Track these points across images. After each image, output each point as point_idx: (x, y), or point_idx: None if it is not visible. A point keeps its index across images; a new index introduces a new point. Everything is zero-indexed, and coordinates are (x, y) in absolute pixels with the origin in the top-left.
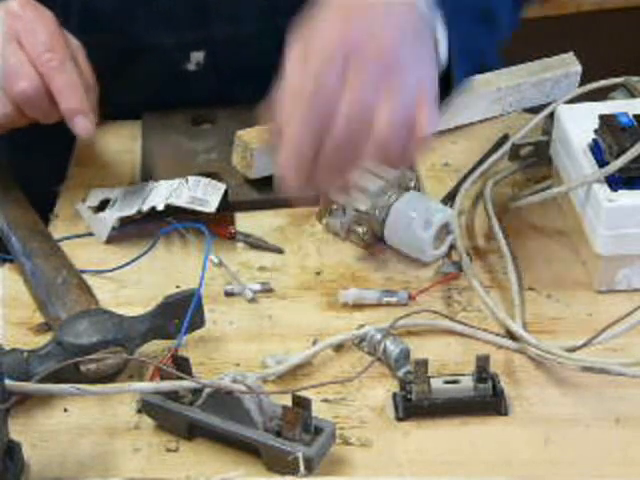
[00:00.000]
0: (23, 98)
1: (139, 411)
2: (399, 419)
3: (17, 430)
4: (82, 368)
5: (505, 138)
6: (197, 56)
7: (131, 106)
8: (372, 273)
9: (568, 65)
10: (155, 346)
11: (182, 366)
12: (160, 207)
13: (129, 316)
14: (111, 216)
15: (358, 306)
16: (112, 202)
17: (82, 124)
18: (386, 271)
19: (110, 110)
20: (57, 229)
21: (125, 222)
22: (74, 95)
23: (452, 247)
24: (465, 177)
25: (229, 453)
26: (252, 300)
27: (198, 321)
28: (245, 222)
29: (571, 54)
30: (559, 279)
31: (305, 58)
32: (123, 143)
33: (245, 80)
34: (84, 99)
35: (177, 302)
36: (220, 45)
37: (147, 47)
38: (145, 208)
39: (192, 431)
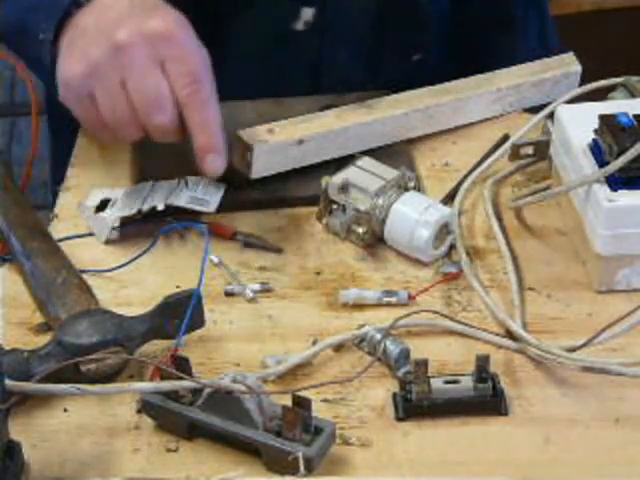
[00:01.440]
0: (158, 130)
1: (139, 411)
2: (399, 419)
3: (17, 430)
4: (82, 368)
5: (505, 138)
6: (307, 13)
7: (235, 72)
8: (372, 273)
9: (568, 65)
10: (155, 346)
11: (182, 366)
12: (160, 207)
13: (129, 316)
14: (111, 216)
15: (358, 306)
16: (112, 202)
17: (214, 163)
18: (386, 271)
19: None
20: (57, 229)
21: (125, 222)
22: (211, 133)
23: (452, 247)
24: (465, 177)
25: (229, 453)
26: (252, 300)
27: (198, 321)
28: (245, 222)
29: (571, 54)
30: (559, 279)
31: None
32: (123, 143)
33: (347, 44)
34: (219, 136)
35: (177, 302)
36: (331, 2)
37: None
38: (145, 208)
39: (192, 431)
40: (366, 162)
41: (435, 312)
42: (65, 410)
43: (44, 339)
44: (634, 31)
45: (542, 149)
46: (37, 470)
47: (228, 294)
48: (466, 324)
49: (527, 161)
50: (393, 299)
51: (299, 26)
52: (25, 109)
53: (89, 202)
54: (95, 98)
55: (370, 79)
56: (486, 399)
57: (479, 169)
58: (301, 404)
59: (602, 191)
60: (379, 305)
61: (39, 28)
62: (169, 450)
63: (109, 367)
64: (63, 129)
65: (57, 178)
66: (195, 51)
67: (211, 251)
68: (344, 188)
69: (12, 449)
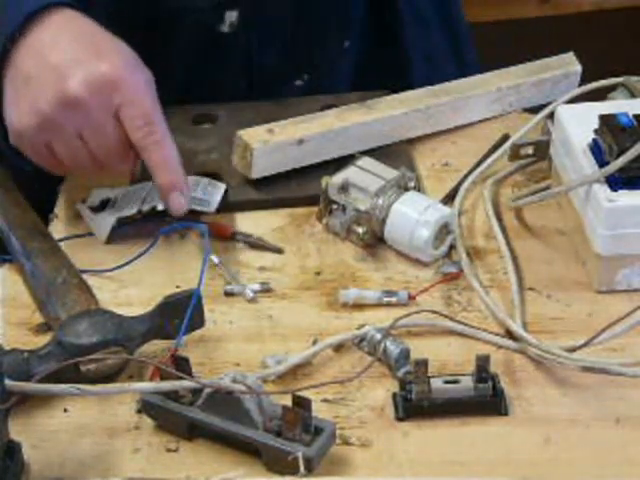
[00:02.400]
0: (121, 173)
1: (139, 411)
2: (399, 419)
3: (17, 430)
4: (82, 368)
5: (505, 138)
6: (231, 16)
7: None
8: (372, 273)
9: (568, 65)
10: (155, 346)
11: (182, 366)
12: (160, 207)
13: (129, 316)
14: (111, 216)
15: (358, 306)
16: (112, 202)
17: (177, 201)
18: (386, 271)
19: None
20: (57, 229)
21: (125, 222)
22: (172, 171)
23: (452, 247)
24: (465, 177)
25: (229, 453)
26: (252, 300)
27: (198, 321)
28: (245, 222)
29: (571, 54)
30: (559, 279)
31: None
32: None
33: (272, 45)
34: (179, 174)
35: (177, 302)
36: (254, 4)
37: (181, 9)
38: (145, 208)
39: (192, 431)
40: (366, 162)
41: (435, 312)
42: (65, 410)
43: (44, 339)
44: (634, 31)
45: (542, 149)
46: (37, 470)
47: (228, 294)
48: (466, 324)
49: (527, 161)
50: (393, 299)
51: (225, 28)
52: None
53: (89, 202)
54: (51, 147)
55: (305, 72)
56: (486, 399)
57: (479, 169)
58: (301, 404)
59: (602, 191)
60: (379, 305)
61: None
62: (169, 450)
63: (109, 367)
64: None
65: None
66: (144, 90)
67: (211, 251)
68: (344, 188)
69: (12, 449)
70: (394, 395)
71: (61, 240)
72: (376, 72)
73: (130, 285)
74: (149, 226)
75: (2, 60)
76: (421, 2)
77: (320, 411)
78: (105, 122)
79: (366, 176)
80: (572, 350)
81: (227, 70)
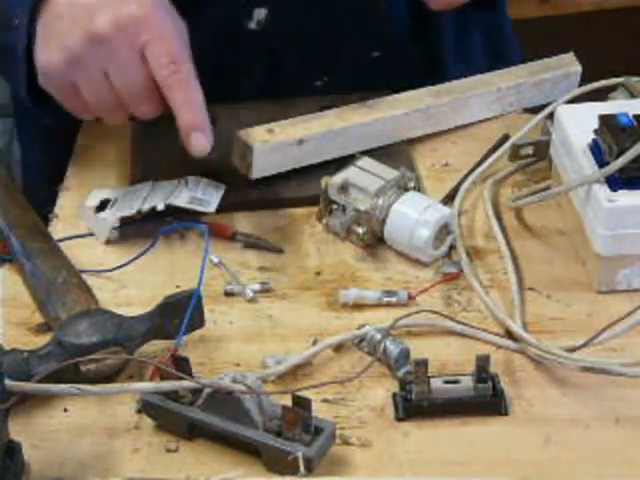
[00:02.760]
0: (144, 116)
1: (139, 411)
2: (399, 419)
3: (17, 430)
4: (82, 368)
5: (505, 138)
6: (259, 13)
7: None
8: (372, 273)
9: (568, 65)
10: (155, 346)
11: (182, 366)
12: (160, 207)
13: (129, 316)
14: (111, 216)
15: (358, 306)
16: (112, 202)
17: (198, 141)
18: (386, 271)
19: None
20: (57, 229)
21: (125, 222)
22: (193, 111)
23: (452, 247)
24: (465, 177)
25: (229, 453)
26: (252, 300)
27: (198, 321)
28: (245, 222)
29: (571, 54)
30: (559, 279)
31: None
32: (123, 143)
33: (296, 45)
34: (202, 114)
35: (177, 302)
36: (282, 2)
37: (210, 4)
38: (145, 208)
39: (192, 431)
40: (366, 162)
41: (435, 312)
42: (65, 410)
43: (44, 339)
44: (634, 31)
45: (542, 149)
46: (37, 470)
47: (228, 294)
48: (466, 324)
49: (527, 161)
50: (393, 299)
51: (252, 25)
52: None
53: (89, 202)
54: (77, 86)
55: (325, 74)
56: (486, 399)
57: (479, 169)
58: (301, 404)
59: (602, 191)
60: (379, 305)
61: (13, 14)
62: (169, 450)
63: (109, 367)
64: (29, 131)
65: (28, 179)
66: (172, 31)
67: (211, 251)
68: (344, 188)
69: (12, 449)
70: (394, 395)
71: (61, 240)
72: (407, 76)
73: (130, 285)
74: (149, 226)
75: (37, 9)
76: (470, 39)
77: (320, 411)
78: (130, 59)
79: (366, 176)
80: (572, 350)
81: (248, 68)
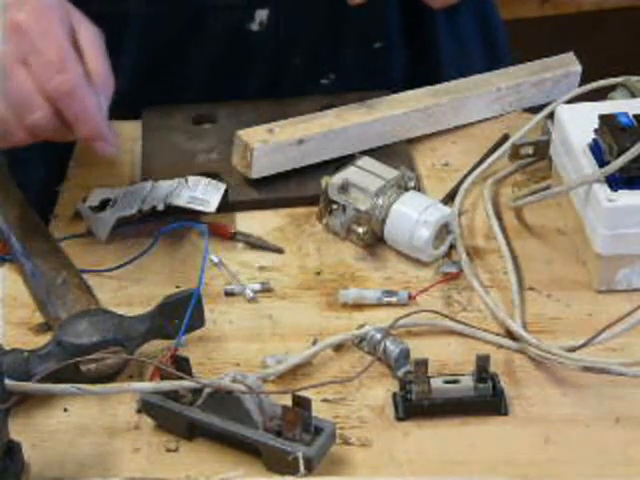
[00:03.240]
0: (36, 129)
1: (139, 411)
2: (399, 419)
3: (17, 430)
4: (82, 368)
5: (505, 138)
6: (261, 14)
7: (191, 78)
8: (372, 273)
9: (568, 65)
10: (155, 346)
11: (182, 366)
12: (160, 207)
13: (129, 316)
14: (111, 216)
15: (358, 306)
16: (112, 202)
17: (103, 149)
18: (386, 271)
19: (174, 86)
20: (57, 229)
21: (125, 222)
22: (90, 121)
23: (452, 247)
24: (465, 177)
25: (229, 453)
26: (252, 300)
27: (198, 321)
28: (245, 222)
29: (571, 54)
30: (559, 279)
31: None
32: (123, 143)
33: (300, 45)
34: (101, 122)
35: (177, 302)
36: (284, 3)
37: (212, 5)
38: (145, 208)
39: (192, 431)
40: (366, 162)
41: (435, 312)
42: (65, 410)
43: (44, 339)
44: (634, 31)
45: (542, 149)
46: (37, 470)
47: (228, 294)
48: (466, 324)
49: (527, 161)
50: (393, 299)
51: (254, 27)
52: None
53: (89, 202)
54: None
55: (331, 71)
56: (486, 399)
57: (479, 169)
58: (301, 404)
59: (602, 191)
60: (379, 305)
61: None
62: (169, 450)
63: (109, 367)
64: None
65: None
66: (56, 39)
67: (211, 251)
68: (344, 188)
69: (12, 449)
70: (394, 395)
71: (61, 240)
72: (408, 79)
73: (130, 285)
74: (149, 226)
75: None
76: (461, 19)
77: (320, 411)
78: (12, 70)
79: (366, 176)
80: (572, 350)
81: (253, 69)
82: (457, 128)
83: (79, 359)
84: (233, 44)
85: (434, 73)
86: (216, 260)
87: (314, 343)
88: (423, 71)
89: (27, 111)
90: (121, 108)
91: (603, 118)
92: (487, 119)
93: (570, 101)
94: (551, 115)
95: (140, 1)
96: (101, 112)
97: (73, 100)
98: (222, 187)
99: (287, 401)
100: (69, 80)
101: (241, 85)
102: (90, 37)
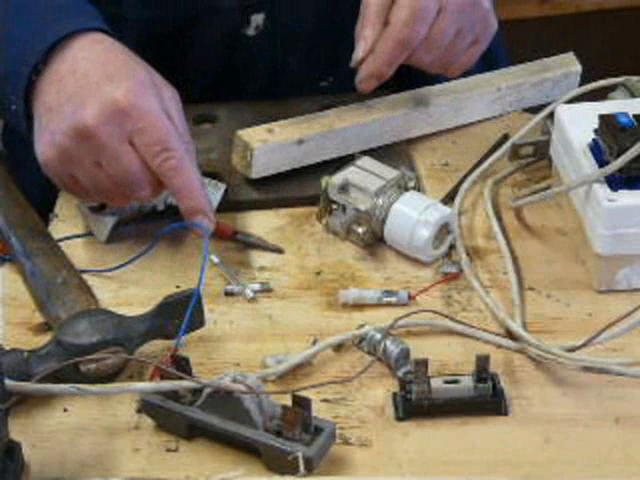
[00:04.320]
0: (144, 200)
1: (139, 411)
2: (399, 419)
3: (17, 430)
4: (82, 368)
5: (505, 138)
6: (257, 19)
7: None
8: (372, 273)
9: (568, 65)
10: (155, 346)
11: (182, 366)
12: (160, 207)
13: (129, 316)
14: (111, 216)
15: (358, 306)
16: None
17: (202, 224)
18: (386, 271)
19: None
20: (57, 229)
21: (125, 222)
22: (194, 195)
23: (452, 247)
24: (465, 177)
25: (229, 453)
26: (252, 300)
27: (198, 321)
28: (245, 222)
29: (571, 54)
30: (559, 279)
31: None
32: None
33: (297, 48)
34: (204, 196)
35: (177, 302)
36: (280, 7)
37: (207, 10)
38: (145, 208)
39: (192, 431)
40: (366, 162)
41: (435, 312)
42: (65, 410)
43: (44, 339)
44: (634, 31)
45: (542, 149)
46: (37, 470)
47: (228, 294)
48: (466, 324)
49: (527, 161)
50: (393, 299)
51: (250, 31)
52: None
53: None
54: (75, 177)
55: (329, 74)
56: (486, 399)
57: (479, 169)
58: (301, 404)
59: (602, 191)
60: (379, 305)
61: (9, 99)
62: (169, 450)
63: (109, 367)
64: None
65: (28, 179)
66: (158, 115)
67: (211, 251)
68: (344, 188)
69: (12, 449)
70: (394, 395)
71: (61, 240)
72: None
73: (130, 285)
74: (149, 226)
75: (30, 92)
76: None
77: (320, 411)
78: (120, 150)
79: (366, 176)
80: (572, 350)
81: (251, 72)
82: (457, 128)
83: (79, 359)
84: (230, 49)
85: (433, 74)
86: (216, 260)
87: (314, 343)
88: (422, 72)
89: (135, 189)
90: None
91: (603, 118)
92: (487, 119)
93: (570, 101)
94: (551, 115)
95: (136, 5)
96: (204, 187)
97: (177, 176)
98: (222, 187)
99: (287, 401)
100: (174, 157)
101: (239, 89)
102: (174, 102)
